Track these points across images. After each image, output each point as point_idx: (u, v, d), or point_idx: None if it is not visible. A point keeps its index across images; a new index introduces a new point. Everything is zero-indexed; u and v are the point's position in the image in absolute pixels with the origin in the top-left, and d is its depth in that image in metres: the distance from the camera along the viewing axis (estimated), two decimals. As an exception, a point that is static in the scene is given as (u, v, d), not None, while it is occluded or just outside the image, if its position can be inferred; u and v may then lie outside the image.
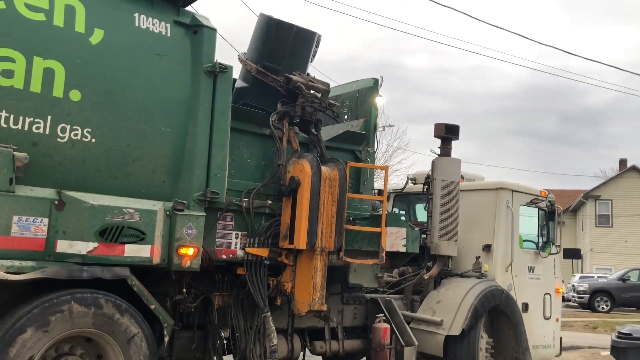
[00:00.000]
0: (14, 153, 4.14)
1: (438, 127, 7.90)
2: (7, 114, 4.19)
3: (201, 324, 5.56)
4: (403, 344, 6.47)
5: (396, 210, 9.29)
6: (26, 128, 4.27)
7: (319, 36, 6.34)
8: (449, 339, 6.97)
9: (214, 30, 5.25)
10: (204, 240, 5.01)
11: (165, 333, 4.79)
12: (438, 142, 7.96)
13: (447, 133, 7.86)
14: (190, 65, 5.11)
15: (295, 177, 5.58)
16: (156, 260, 4.69)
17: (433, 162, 7.89)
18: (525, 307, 8.09)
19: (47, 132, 4.36)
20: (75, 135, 4.48)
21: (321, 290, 5.61)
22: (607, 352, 10.00)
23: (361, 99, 6.88)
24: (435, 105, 78.98)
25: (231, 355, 5.83)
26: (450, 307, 7.19)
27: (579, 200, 39.80)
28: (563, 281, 9.83)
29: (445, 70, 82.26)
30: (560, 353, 8.81)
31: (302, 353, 6.42)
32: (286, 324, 6.15)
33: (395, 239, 6.60)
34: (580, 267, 37.38)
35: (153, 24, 4.95)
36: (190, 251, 4.86)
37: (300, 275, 5.67)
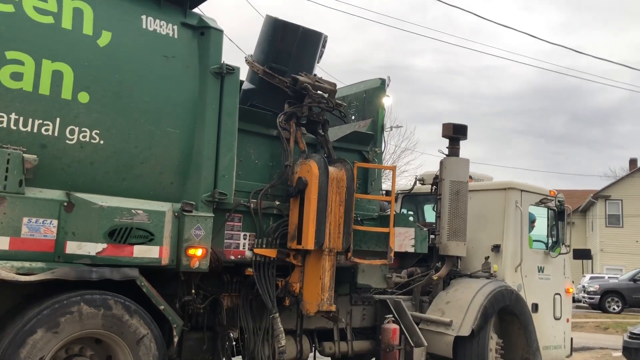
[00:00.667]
0: (24, 155, 4.17)
1: (446, 127, 7.86)
2: (17, 117, 4.22)
3: (210, 325, 5.56)
4: (412, 344, 6.45)
5: (404, 211, 9.26)
6: (35, 130, 4.29)
7: (325, 37, 6.34)
8: (458, 339, 6.93)
9: (221, 31, 5.27)
10: (212, 241, 5.02)
11: (175, 334, 4.80)
12: (446, 142, 7.93)
13: (455, 133, 7.82)
14: (198, 66, 5.13)
15: (303, 178, 5.58)
16: (165, 261, 4.70)
17: (441, 162, 7.85)
18: (535, 307, 8.03)
19: (56, 134, 4.38)
20: (84, 137, 4.50)
21: (329, 290, 5.60)
22: (619, 353, 9.94)
23: (368, 99, 6.87)
24: (443, 105, 78.98)
25: (240, 356, 5.84)
26: (459, 307, 7.15)
27: (589, 201, 39.54)
28: (573, 282, 9.75)
29: (452, 71, 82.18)
30: (571, 354, 8.74)
31: (311, 354, 6.41)
32: (295, 325, 6.15)
33: (403, 240, 6.57)
34: (591, 267, 37.11)
35: (160, 26, 4.97)
36: (198, 252, 4.87)
37: (309, 276, 5.66)
